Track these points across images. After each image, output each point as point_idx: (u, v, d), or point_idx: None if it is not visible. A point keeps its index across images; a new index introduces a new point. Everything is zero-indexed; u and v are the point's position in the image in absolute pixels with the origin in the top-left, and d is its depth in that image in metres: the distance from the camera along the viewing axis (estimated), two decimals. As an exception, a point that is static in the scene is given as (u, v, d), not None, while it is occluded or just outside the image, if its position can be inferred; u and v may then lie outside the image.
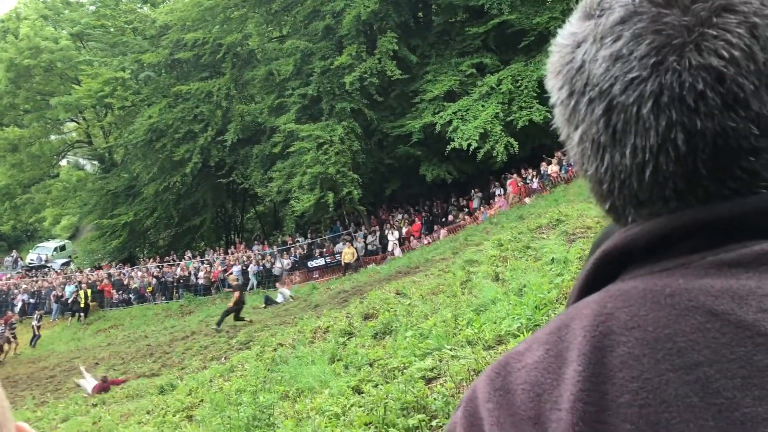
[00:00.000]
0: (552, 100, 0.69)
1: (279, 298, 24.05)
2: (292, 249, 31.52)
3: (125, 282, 34.09)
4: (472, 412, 0.66)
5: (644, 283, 0.61)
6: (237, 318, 20.41)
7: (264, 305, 23.72)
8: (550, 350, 0.63)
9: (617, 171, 0.64)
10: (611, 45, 0.61)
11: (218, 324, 20.22)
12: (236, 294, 20.79)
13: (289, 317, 18.84)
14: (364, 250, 28.80)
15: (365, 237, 29.57)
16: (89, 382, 16.49)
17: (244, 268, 31.49)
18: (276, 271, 30.44)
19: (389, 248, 27.97)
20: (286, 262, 30.59)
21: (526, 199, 23.87)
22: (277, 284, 26.94)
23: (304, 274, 29.33)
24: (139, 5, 41.68)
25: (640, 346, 0.57)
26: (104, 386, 16.16)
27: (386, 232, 29.13)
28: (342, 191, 26.86)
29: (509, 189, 25.60)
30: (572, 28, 0.67)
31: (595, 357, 0.59)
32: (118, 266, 36.90)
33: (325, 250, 30.08)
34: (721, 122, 0.58)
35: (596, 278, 0.67)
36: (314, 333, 12.79)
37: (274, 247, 33.09)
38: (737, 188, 0.60)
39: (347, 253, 27.75)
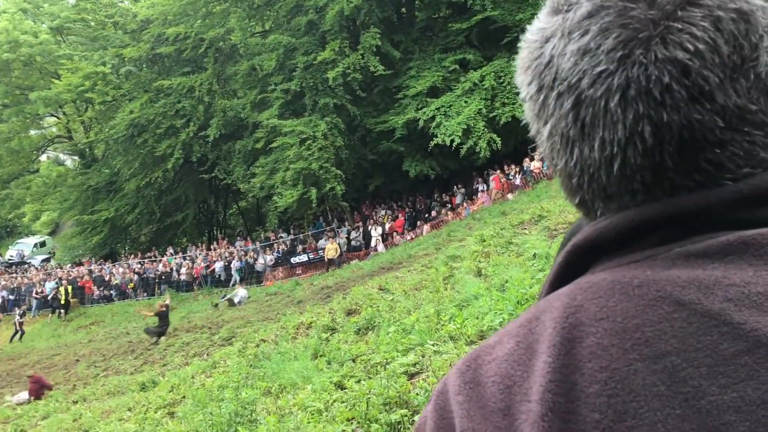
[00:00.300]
0: (521, 96, 0.69)
1: (236, 299, 24.11)
2: (275, 245, 31.44)
3: (106, 278, 33.82)
4: (443, 406, 0.66)
5: (613, 275, 0.62)
6: (155, 337, 20.19)
7: (217, 304, 23.78)
8: (520, 342, 0.63)
9: (586, 165, 0.64)
10: (579, 39, 0.62)
11: (154, 343, 20.00)
12: (156, 318, 20.51)
13: (272, 313, 18.81)
14: (347, 246, 28.78)
15: (348, 233, 29.55)
16: (22, 394, 16.34)
17: (227, 264, 31.37)
18: (259, 267, 30.34)
19: (372, 244, 27.97)
20: (269, 258, 30.49)
21: (509, 195, 23.96)
22: (237, 285, 26.83)
23: (287, 270, 29.27)
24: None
25: (609, 337, 0.58)
26: (35, 381, 16.07)
27: (369, 227, 29.12)
28: (325, 187, 26.79)
29: (492, 185, 25.68)
30: (540, 23, 0.67)
31: (564, 348, 0.59)
32: (99, 262, 36.60)
33: (308, 246, 30.01)
34: (687, 115, 0.59)
35: (567, 271, 0.68)
36: (297, 329, 12.78)
37: (257, 243, 32.96)
38: (703, 180, 0.61)
39: (330, 249, 27.70)
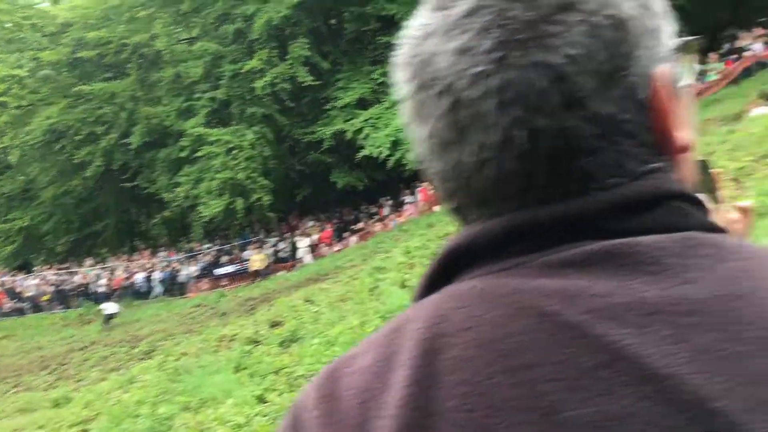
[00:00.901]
0: (399, 94, 0.67)
1: (106, 313, 23.36)
2: (199, 256, 30.85)
3: (18, 290, 32.37)
4: (298, 420, 0.63)
5: (482, 283, 0.60)
6: None
7: (105, 323, 23.05)
8: (381, 353, 0.61)
9: (461, 169, 0.62)
10: (458, 38, 0.60)
11: None
12: None
13: (195, 325, 18.42)
14: (273, 257, 28.50)
15: (275, 244, 29.28)
16: None
17: (148, 275, 30.58)
18: (182, 278, 29.71)
19: (299, 255, 27.80)
20: (194, 269, 29.91)
21: (436, 208, 24.25)
22: (103, 305, 25.47)
23: (211, 282, 28.73)
24: (38, 0, 39.79)
25: (472, 349, 0.55)
26: None
27: (296, 238, 28.94)
28: (252, 197, 26.51)
29: (419, 197, 25.95)
30: (422, 19, 0.64)
31: (425, 360, 0.57)
32: (11, 273, 35.03)
33: (233, 256, 29.58)
34: (560, 121, 0.57)
35: (438, 279, 0.65)
36: (220, 341, 12.59)
37: (181, 253, 32.27)
38: (574, 189, 0.59)
39: (256, 260, 27.41)
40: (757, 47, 20.61)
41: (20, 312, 31.10)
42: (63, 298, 31.46)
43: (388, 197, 28.38)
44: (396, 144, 24.13)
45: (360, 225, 27.95)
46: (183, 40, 31.69)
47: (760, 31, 21.22)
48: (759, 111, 12.38)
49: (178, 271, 30.30)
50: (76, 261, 34.94)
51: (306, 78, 26.38)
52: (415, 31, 0.65)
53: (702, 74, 21.33)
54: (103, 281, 30.98)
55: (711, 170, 1.46)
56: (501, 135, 0.58)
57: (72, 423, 10.14)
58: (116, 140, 31.20)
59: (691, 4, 23.13)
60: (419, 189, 26.19)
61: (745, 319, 0.52)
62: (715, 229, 0.62)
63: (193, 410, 8.10)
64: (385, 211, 27.82)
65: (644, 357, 0.51)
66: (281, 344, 10.10)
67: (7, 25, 36.57)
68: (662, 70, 0.62)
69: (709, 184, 1.45)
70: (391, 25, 27.42)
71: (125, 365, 15.31)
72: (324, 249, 27.41)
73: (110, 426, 8.42)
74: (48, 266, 35.41)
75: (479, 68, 0.58)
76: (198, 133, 27.36)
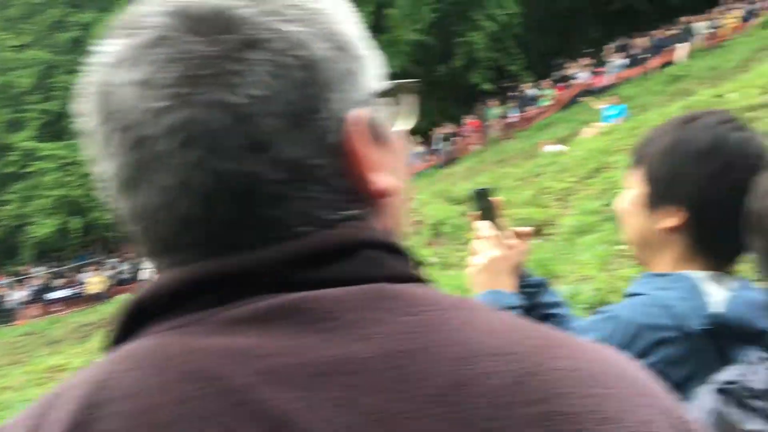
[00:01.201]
0: (84, 126, 0.61)
1: None
2: (30, 279, 28.84)
3: None
4: None
5: (155, 342, 0.54)
6: None
7: None
8: (28, 427, 0.53)
9: (146, 211, 0.56)
10: (140, 70, 0.55)
11: None
12: None
13: (23, 356, 17.12)
14: (114, 280, 27.20)
15: (116, 265, 27.95)
16: None
17: (-30, 302, 28.19)
18: (9, 304, 27.59)
19: (143, 277, 26.71)
20: (23, 293, 27.87)
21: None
22: None
23: (43, 307, 26.86)
24: None
25: (125, 420, 0.48)
26: None
27: (141, 259, 27.80)
28: (90, 216, 25.31)
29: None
30: (108, 47, 0.59)
31: None
32: None
33: (69, 279, 27.93)
34: (244, 164, 0.53)
35: (124, 333, 0.58)
36: (48, 372, 11.80)
37: (8, 277, 30.02)
38: (263, 238, 0.55)
39: (95, 283, 26.10)
40: (584, 75, 22.44)
41: None
42: None
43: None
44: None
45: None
46: (11, 47, 29.75)
47: (586, 60, 23.12)
48: (550, 148, 13.98)
49: (4, 296, 28.16)
50: None
51: (150, 91, 25.69)
52: (101, 58, 0.59)
53: (535, 99, 22.95)
54: None
55: (491, 198, 1.50)
56: (182, 177, 0.54)
57: None
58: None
59: (527, 34, 24.92)
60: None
61: (415, 376, 0.49)
62: (410, 278, 0.59)
63: (10, 451, 7.49)
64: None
65: (307, 423, 0.47)
66: (116, 373, 9.61)
67: None
68: (358, 113, 0.59)
69: (489, 212, 1.50)
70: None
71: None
72: (170, 269, 26.60)
73: None
74: None
75: (160, 104, 0.53)
76: (28, 148, 25.79)
